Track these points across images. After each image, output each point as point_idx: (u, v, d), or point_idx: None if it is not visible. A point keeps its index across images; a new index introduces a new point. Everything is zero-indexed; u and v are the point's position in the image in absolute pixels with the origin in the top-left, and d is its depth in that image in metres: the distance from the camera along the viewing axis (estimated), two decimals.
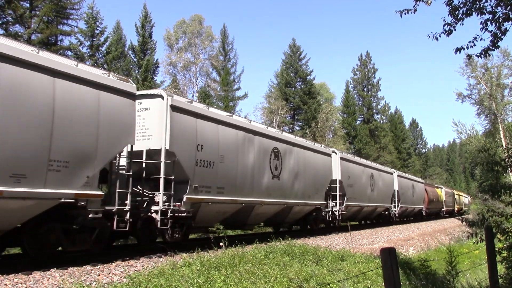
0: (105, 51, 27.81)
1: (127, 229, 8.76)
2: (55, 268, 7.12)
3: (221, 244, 9.36)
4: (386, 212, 26.71)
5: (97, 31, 27.23)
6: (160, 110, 9.78)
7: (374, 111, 57.11)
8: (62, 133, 7.28)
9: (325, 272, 7.71)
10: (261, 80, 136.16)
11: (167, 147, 9.54)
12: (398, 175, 29.04)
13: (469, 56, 7.05)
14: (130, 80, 9.16)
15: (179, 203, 9.92)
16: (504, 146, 13.47)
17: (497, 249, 6.86)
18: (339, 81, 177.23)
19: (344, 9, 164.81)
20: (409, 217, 34.83)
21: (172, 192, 9.73)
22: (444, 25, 6.73)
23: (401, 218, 32.09)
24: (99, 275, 6.97)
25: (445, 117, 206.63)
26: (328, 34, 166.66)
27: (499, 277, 6.49)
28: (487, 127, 44.84)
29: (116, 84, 8.50)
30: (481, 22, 6.66)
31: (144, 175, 9.71)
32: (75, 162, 7.49)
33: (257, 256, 8.26)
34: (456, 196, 53.07)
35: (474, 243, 8.03)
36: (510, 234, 6.97)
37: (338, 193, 18.56)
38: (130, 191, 8.85)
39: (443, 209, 44.35)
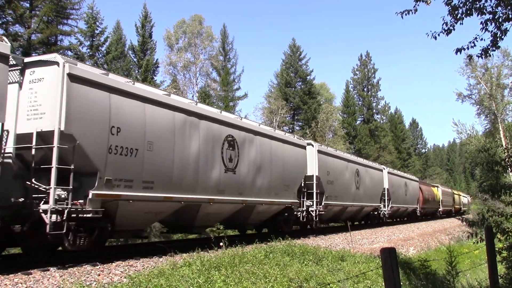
0: (105, 51, 27.82)
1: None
2: (55, 268, 7.12)
3: (221, 244, 9.36)
4: (376, 213, 24.59)
5: (97, 31, 27.24)
6: (56, 80, 7.61)
7: (374, 111, 57.15)
8: None
9: (325, 272, 7.71)
10: (261, 80, 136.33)
11: (63, 128, 7.42)
12: (389, 172, 26.82)
13: (470, 57, 7.06)
14: (5, 38, 7.18)
15: (83, 201, 7.88)
16: (504, 146, 13.47)
17: (497, 249, 6.86)
18: (339, 81, 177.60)
19: (344, 9, 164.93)
20: (402, 217, 32.89)
21: (71, 186, 7.53)
22: (443, 24, 6.74)
23: (393, 218, 30.54)
24: (99, 275, 6.96)
25: (445, 117, 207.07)
26: (328, 34, 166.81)
27: (499, 277, 6.50)
28: (487, 127, 44.91)
29: None
30: (481, 22, 6.67)
31: (33, 165, 7.51)
32: None
33: (257, 256, 8.27)
34: (454, 196, 51.26)
35: (474, 243, 8.03)
36: (510, 234, 6.98)
37: (315, 190, 16.29)
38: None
39: (439, 209, 42.46)
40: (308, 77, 45.96)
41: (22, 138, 7.58)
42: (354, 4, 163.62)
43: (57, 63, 7.66)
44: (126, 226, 9.27)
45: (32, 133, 7.57)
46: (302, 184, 16.01)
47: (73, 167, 7.60)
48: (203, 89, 36.78)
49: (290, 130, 41.39)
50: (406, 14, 6.80)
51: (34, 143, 7.50)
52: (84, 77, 7.94)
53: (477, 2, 6.52)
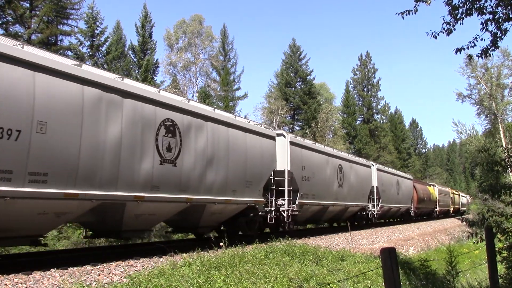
0: (105, 51, 27.83)
1: None
2: (55, 268, 7.11)
3: (221, 244, 9.36)
4: (364, 213, 22.50)
5: (97, 31, 27.26)
6: None
7: (374, 111, 57.15)
8: None
9: (325, 272, 7.71)
10: (261, 80, 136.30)
11: None
12: (378, 169, 24.79)
13: (470, 56, 7.06)
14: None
15: None
16: (504, 146, 13.49)
17: (497, 249, 6.87)
18: (339, 81, 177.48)
19: (344, 9, 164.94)
20: (394, 218, 30.79)
21: None
22: (443, 24, 6.75)
23: (385, 219, 28.88)
24: (99, 275, 6.96)
25: (445, 117, 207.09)
26: (328, 34, 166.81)
27: (499, 277, 6.50)
28: (487, 127, 44.90)
29: None
30: (481, 22, 6.67)
31: None
32: None
33: (257, 256, 8.27)
34: (452, 195, 49.64)
35: (474, 243, 8.03)
36: (510, 234, 6.98)
37: (286, 187, 14.16)
38: None
39: (436, 209, 40.69)
40: (308, 77, 45.98)
41: None
42: (354, 4, 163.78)
43: None
44: (7, 231, 7.15)
45: None
46: (273, 181, 13.93)
47: None
48: (203, 89, 36.78)
49: (290, 130, 41.39)
50: (406, 15, 6.81)
51: None
52: None
53: (477, 2, 6.53)
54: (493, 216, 8.25)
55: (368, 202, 22.78)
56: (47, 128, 7.10)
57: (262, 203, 13.22)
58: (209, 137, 10.83)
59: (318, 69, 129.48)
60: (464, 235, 18.44)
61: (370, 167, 23.78)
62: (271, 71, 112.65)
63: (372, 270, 7.66)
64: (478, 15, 6.62)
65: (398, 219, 31.46)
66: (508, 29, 6.63)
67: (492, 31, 6.67)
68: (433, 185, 42.06)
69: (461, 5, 6.57)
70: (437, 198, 40.91)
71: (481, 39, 6.74)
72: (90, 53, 26.92)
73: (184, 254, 8.36)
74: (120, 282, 6.44)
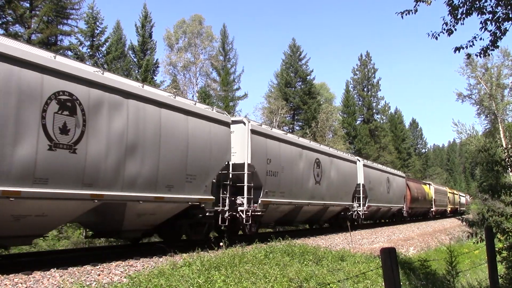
0: (105, 51, 27.84)
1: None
2: (55, 268, 7.12)
3: (221, 244, 9.36)
4: (349, 213, 20.36)
5: (97, 31, 27.27)
6: None
7: (374, 111, 57.18)
8: None
9: (325, 272, 7.71)
10: (261, 80, 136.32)
11: None
12: (366, 165, 22.60)
13: (468, 55, 7.06)
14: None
15: None
16: (504, 146, 13.49)
17: (497, 249, 6.86)
18: (339, 81, 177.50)
19: (344, 9, 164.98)
20: (384, 218, 28.59)
21: None
22: (443, 24, 6.75)
23: (375, 220, 27.13)
24: (99, 275, 6.97)
25: (445, 117, 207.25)
26: (328, 34, 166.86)
27: (499, 277, 6.50)
28: (487, 127, 44.88)
29: None
30: (481, 22, 6.67)
31: None
32: None
33: (257, 256, 8.27)
34: (449, 195, 47.76)
35: (474, 243, 8.04)
36: (510, 234, 6.98)
37: (246, 184, 12.20)
38: None
39: (432, 209, 38.76)
40: (308, 77, 45.99)
41: None
42: (354, 4, 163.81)
43: None
44: None
45: None
46: (228, 176, 12.08)
47: None
48: (203, 89, 36.80)
49: (290, 130, 41.41)
50: (406, 14, 6.81)
51: None
52: None
53: (477, 2, 6.53)
54: (493, 216, 8.25)
55: (353, 202, 20.80)
56: None
57: (211, 201, 11.02)
58: (130, 118, 8.65)
59: (318, 69, 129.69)
60: (464, 235, 18.44)
61: (355, 162, 21.46)
62: (271, 71, 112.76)
63: (372, 270, 7.66)
64: (478, 15, 6.62)
65: (388, 220, 29.45)
66: (508, 29, 6.63)
67: (491, 30, 6.67)
68: (429, 184, 40.59)
69: (461, 5, 6.57)
70: (433, 197, 39.40)
71: (481, 39, 6.75)
72: (90, 53, 26.92)
73: (184, 254, 8.37)
74: (120, 282, 6.44)
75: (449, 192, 48.69)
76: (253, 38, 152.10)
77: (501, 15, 6.57)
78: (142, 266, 7.86)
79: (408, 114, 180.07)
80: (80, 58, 24.51)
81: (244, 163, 12.36)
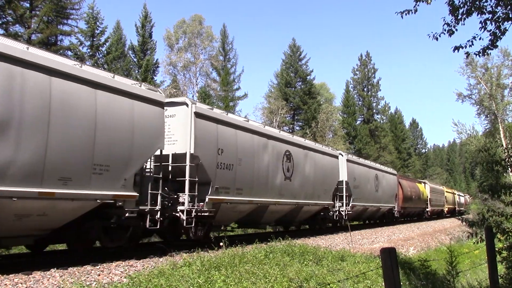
0: (105, 51, 27.85)
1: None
2: (55, 268, 7.12)
3: (221, 244, 9.36)
4: (330, 213, 18.61)
5: (97, 31, 27.28)
6: None
7: (374, 111, 57.22)
8: None
9: (325, 272, 7.72)
10: (261, 80, 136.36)
11: None
12: (349, 160, 20.12)
13: (468, 54, 7.05)
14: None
15: None
16: (504, 146, 13.50)
17: (497, 249, 6.86)
18: (339, 81, 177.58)
19: (344, 9, 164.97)
20: (371, 219, 26.58)
21: None
22: (444, 24, 6.75)
23: (364, 221, 25.71)
24: (99, 275, 6.97)
25: (445, 117, 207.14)
26: (328, 34, 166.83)
27: (499, 277, 6.50)
28: (487, 127, 44.90)
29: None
30: (481, 21, 6.67)
31: None
32: None
33: (257, 256, 8.27)
34: (446, 194, 45.90)
35: (474, 243, 8.03)
36: (510, 234, 6.98)
37: (188, 178, 10.18)
38: None
39: (427, 209, 36.78)
40: (308, 77, 46.00)
41: None
42: (354, 4, 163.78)
43: None
44: None
45: None
46: (169, 168, 10.17)
47: None
48: (203, 89, 36.81)
49: (290, 130, 41.40)
50: (406, 14, 6.81)
51: None
52: None
53: (477, 2, 6.53)
54: (493, 216, 8.25)
55: (334, 201, 18.80)
56: None
57: (133, 199, 8.77)
58: (16, 90, 6.71)
59: (318, 69, 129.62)
60: (464, 235, 18.43)
61: (337, 157, 19.12)
62: (271, 71, 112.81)
63: (372, 270, 7.67)
64: (477, 15, 6.62)
65: (378, 221, 27.35)
66: (507, 28, 6.63)
67: (491, 30, 6.67)
68: (424, 182, 38.67)
69: (461, 5, 6.56)
70: (429, 196, 37.25)
71: (480, 39, 6.74)
72: (90, 53, 26.94)
73: (184, 254, 8.38)
74: (120, 282, 6.44)
75: (447, 192, 47.08)
76: (253, 38, 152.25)
77: (500, 15, 6.56)
78: (142, 266, 7.86)
79: (408, 114, 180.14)
80: (80, 58, 24.52)
81: (185, 153, 10.22)
